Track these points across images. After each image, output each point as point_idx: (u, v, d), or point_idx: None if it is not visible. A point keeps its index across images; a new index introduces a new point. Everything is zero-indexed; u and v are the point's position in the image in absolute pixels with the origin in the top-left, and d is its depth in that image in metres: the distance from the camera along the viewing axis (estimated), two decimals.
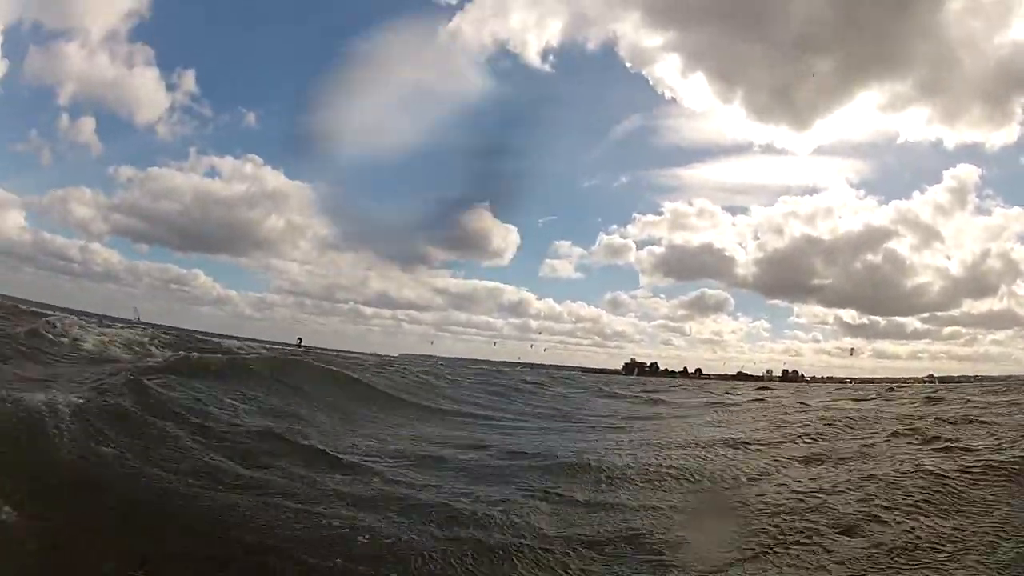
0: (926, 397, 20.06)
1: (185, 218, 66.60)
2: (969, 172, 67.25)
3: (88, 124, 61.51)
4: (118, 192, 70.16)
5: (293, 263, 76.75)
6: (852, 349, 70.18)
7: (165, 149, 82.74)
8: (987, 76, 65.05)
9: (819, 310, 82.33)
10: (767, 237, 76.71)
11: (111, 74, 61.39)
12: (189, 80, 64.27)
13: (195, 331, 42.26)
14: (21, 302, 30.02)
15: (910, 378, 68.02)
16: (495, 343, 79.49)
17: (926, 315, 75.07)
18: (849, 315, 75.17)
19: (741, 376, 79.29)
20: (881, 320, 74.24)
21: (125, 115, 72.24)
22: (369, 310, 77.84)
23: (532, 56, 68.70)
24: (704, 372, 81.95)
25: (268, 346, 35.99)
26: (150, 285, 69.69)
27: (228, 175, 68.33)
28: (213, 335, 41.86)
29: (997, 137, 73.03)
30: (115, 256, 65.71)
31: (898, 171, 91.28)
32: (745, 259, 75.62)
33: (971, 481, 6.11)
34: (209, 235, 70.10)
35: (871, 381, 66.98)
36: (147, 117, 69.86)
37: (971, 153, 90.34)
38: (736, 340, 79.58)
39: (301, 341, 50.11)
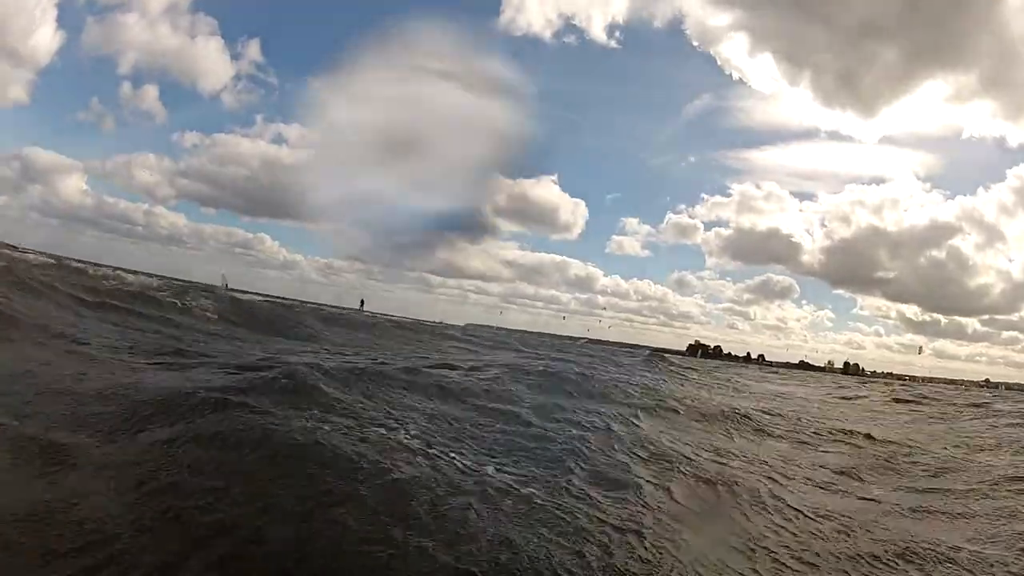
0: None
1: (252, 183, 68.07)
2: None
3: (151, 92, 63.07)
4: (184, 158, 71.58)
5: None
6: (920, 348, 67.66)
7: (231, 117, 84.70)
8: None
9: (882, 303, 78.46)
10: (834, 225, 73.42)
11: (173, 44, 62.37)
12: (254, 49, 65.02)
13: (265, 294, 44.15)
14: (89, 264, 31.44)
15: (967, 381, 66.47)
16: (564, 317, 78.40)
17: (986, 317, 71.48)
18: (912, 311, 72.11)
19: (803, 365, 77.89)
20: (942, 319, 70.83)
21: (188, 84, 73.71)
22: (436, 279, 77.88)
23: (598, 32, 66.40)
24: (767, 359, 79.83)
25: (329, 308, 36.70)
26: (216, 248, 71.44)
27: (295, 142, 69.15)
28: (279, 298, 43.06)
29: None
30: (181, 219, 67.46)
31: (963, 166, 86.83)
32: (811, 246, 72.22)
33: None
34: (276, 200, 71.46)
35: (931, 381, 67.70)
36: (212, 85, 71.09)
37: None
38: (800, 328, 76.48)
39: (363, 303, 50.60)
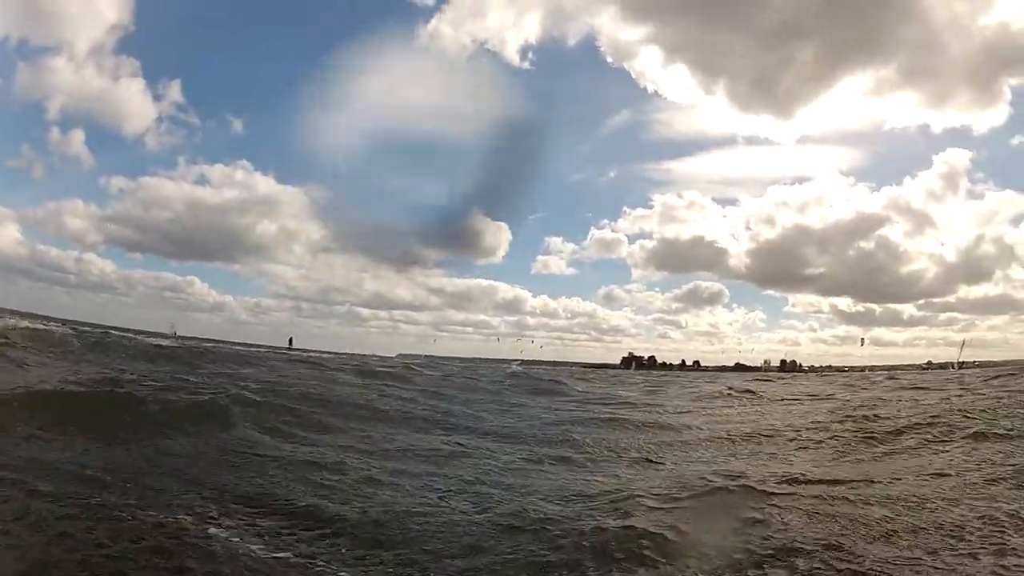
0: None
1: (177, 226, 66.88)
2: (959, 156, 66.39)
3: (78, 137, 61.78)
4: (110, 203, 70.42)
5: (287, 267, 76.72)
6: (863, 340, 68.47)
7: (155, 159, 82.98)
8: (972, 58, 64.61)
9: (814, 299, 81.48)
10: (759, 228, 76.46)
11: (98, 86, 61.41)
12: (175, 90, 64.58)
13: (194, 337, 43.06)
14: (24, 316, 30.36)
15: (909, 365, 67.59)
16: (498, 339, 79.07)
17: (921, 302, 74.23)
18: (844, 303, 74.63)
19: (739, 367, 78.94)
20: (877, 308, 73.60)
21: (113, 127, 72.57)
22: (366, 311, 77.63)
23: (511, 54, 68.65)
24: (702, 364, 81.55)
25: (260, 348, 36.34)
26: (145, 294, 70.09)
27: (218, 182, 68.48)
28: (211, 341, 42.18)
29: (985, 119, 72.41)
30: (110, 266, 66.19)
31: (887, 157, 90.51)
32: (737, 250, 75.38)
33: None
34: (202, 242, 70.26)
35: (871, 369, 66.44)
36: (136, 128, 70.04)
37: (960, 137, 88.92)
38: (733, 331, 79.16)
39: (292, 341, 50.18)
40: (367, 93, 66.24)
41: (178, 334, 36.03)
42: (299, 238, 71.95)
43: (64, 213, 67.19)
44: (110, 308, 64.96)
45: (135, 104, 63.97)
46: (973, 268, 68.63)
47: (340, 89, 61.09)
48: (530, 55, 71.40)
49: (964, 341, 63.22)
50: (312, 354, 41.55)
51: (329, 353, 47.79)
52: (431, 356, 64.21)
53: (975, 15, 69.06)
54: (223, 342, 45.08)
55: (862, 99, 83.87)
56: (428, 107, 69.30)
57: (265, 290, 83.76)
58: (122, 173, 69.58)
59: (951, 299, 78.40)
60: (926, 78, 72.60)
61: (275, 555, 4.09)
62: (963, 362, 58.88)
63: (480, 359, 69.40)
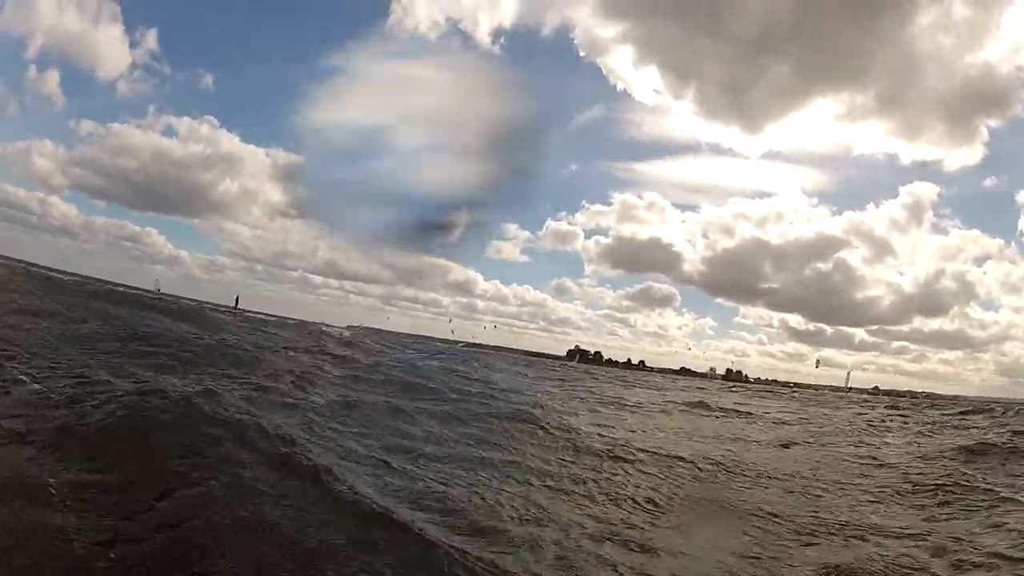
0: None
1: (142, 175, 66.73)
2: (927, 190, 68.30)
3: (53, 77, 62.09)
4: (78, 146, 69.83)
5: (244, 227, 76.82)
6: (818, 361, 69.69)
7: (125, 106, 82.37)
8: (953, 94, 65.57)
9: (765, 312, 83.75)
10: (716, 236, 78.57)
11: (78, 28, 60.78)
12: (151, 39, 64.23)
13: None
14: None
15: (856, 388, 66.64)
16: (451, 320, 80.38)
17: (875, 328, 76.40)
18: (796, 320, 75.95)
19: (685, 372, 79.51)
20: (828, 328, 74.08)
21: (88, 70, 71.46)
22: (318, 279, 78.37)
23: (483, 36, 68.78)
24: (648, 365, 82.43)
25: (207, 305, 36.68)
26: (105, 242, 69.72)
27: (185, 135, 68.27)
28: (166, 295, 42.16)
29: (957, 157, 74.78)
30: (73, 211, 66.02)
31: (853, 182, 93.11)
32: (693, 256, 77.38)
33: None
34: (164, 194, 70.06)
35: (816, 388, 66.16)
36: (109, 73, 69.91)
37: (929, 171, 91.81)
38: (681, 335, 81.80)
39: (238, 300, 50.64)
40: (336, 62, 66.18)
41: (161, 290, 36.49)
42: (258, 199, 72.06)
43: (32, 152, 66.35)
44: (68, 253, 64.16)
45: (111, 49, 63.44)
46: (931, 301, 70.61)
47: (310, 55, 61.11)
48: (502, 39, 72.04)
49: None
50: (258, 316, 41.96)
51: (274, 316, 48.27)
52: (378, 330, 65.17)
53: (962, 52, 70.50)
54: (170, 295, 45.19)
55: (833, 122, 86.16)
56: (395, 83, 69.17)
57: (221, 248, 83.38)
58: (92, 117, 69.16)
59: (905, 328, 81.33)
60: (902, 108, 73.90)
61: None
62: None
63: (427, 337, 70.57)
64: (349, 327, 59.86)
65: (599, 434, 9.98)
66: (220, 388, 7.16)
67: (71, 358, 8.44)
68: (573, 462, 7.79)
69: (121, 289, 31.77)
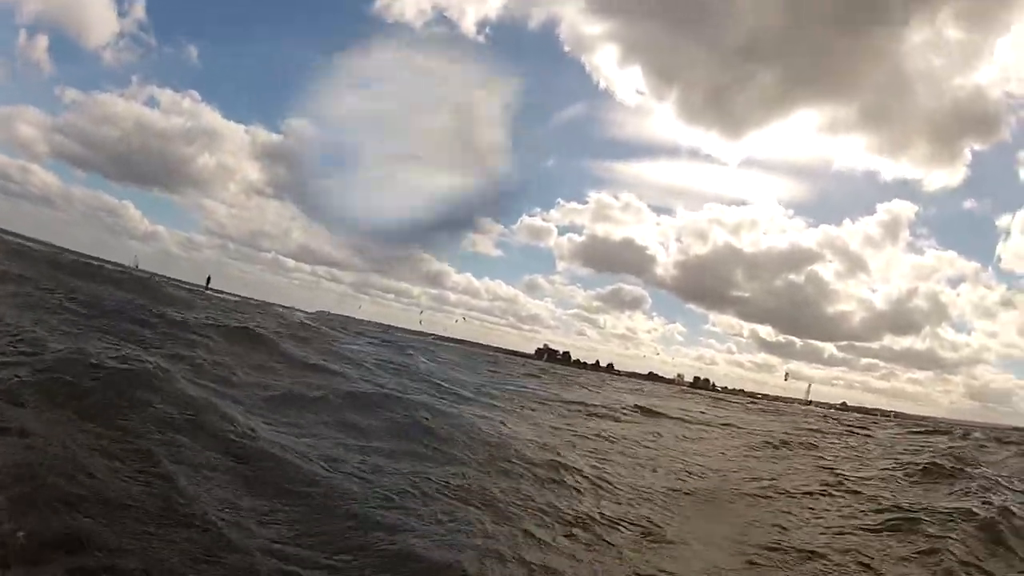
0: None
1: (123, 146, 67.21)
2: (905, 208, 69.44)
3: (42, 43, 62.11)
4: (62, 113, 70.24)
5: (221, 204, 76.90)
6: (787, 374, 70.65)
7: (110, 75, 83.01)
8: (940, 114, 66.25)
9: (735, 322, 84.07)
10: (690, 240, 79.39)
11: None
12: (139, 8, 64.51)
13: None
14: None
15: (824, 403, 67.72)
16: (421, 312, 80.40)
17: (844, 343, 77.75)
18: (766, 331, 76.96)
19: (652, 377, 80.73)
20: (798, 341, 74.95)
21: (75, 37, 71.44)
22: (291, 262, 78.93)
23: (468, 25, 68.92)
24: (616, 368, 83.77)
25: (176, 283, 37.07)
26: (82, 213, 70.00)
27: (167, 107, 68.85)
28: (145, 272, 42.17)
29: (938, 177, 75.63)
30: (53, 180, 65.72)
31: (830, 196, 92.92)
32: (666, 260, 77.81)
33: None
34: (144, 166, 70.30)
35: (784, 400, 67.08)
36: (96, 41, 70.52)
37: (907, 189, 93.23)
38: (650, 340, 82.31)
39: (209, 280, 51.22)
40: (321, 46, 66.22)
41: (140, 266, 36.88)
42: (235, 176, 72.69)
43: (17, 118, 66.16)
44: (43, 221, 64.08)
45: (99, 17, 63.57)
46: (902, 319, 71.66)
47: (295, 37, 61.50)
48: (487, 30, 72.68)
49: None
50: (227, 296, 42.42)
51: (239, 297, 48.33)
52: (348, 317, 65.35)
53: (952, 73, 71.95)
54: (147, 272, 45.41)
55: (815, 133, 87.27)
56: (382, 70, 69.42)
57: (199, 225, 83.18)
58: (77, 85, 69.35)
59: (874, 345, 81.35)
60: (886, 124, 74.61)
61: None
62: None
63: (396, 327, 71.01)
64: (319, 313, 60.46)
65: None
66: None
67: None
68: None
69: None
